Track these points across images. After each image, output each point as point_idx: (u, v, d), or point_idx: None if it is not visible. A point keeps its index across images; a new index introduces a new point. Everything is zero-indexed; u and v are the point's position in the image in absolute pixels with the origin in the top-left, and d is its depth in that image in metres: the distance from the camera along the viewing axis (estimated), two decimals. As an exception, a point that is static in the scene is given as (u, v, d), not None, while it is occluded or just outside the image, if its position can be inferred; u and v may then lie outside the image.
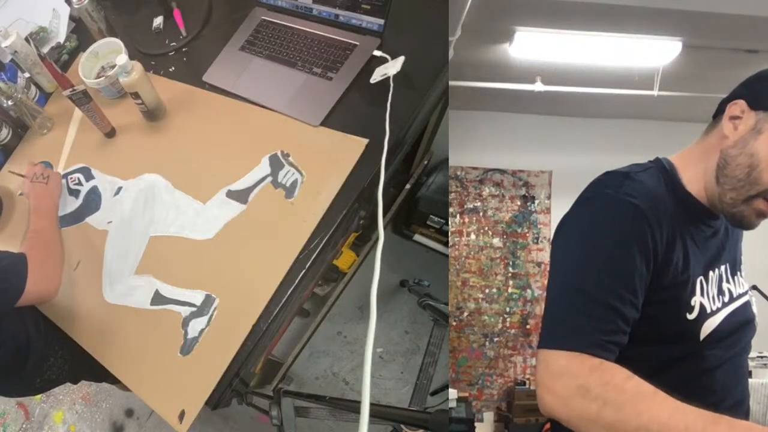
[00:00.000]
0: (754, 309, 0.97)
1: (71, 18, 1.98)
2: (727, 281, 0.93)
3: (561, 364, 0.76)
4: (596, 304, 0.78)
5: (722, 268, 0.93)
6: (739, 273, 0.97)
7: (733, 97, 0.88)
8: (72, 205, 1.62)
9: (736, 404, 0.91)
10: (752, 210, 0.85)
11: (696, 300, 0.85)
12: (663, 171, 0.91)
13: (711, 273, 0.89)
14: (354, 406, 1.57)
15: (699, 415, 0.69)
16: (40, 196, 1.54)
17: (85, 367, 1.65)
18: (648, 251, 0.80)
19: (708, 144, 0.90)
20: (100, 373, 1.47)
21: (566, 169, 4.11)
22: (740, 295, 0.94)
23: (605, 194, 0.85)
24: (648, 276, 0.81)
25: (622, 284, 0.79)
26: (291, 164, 1.36)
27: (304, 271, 1.25)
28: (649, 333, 0.83)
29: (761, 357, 3.17)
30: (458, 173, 4.13)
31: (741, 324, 0.92)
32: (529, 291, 4.16)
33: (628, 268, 0.80)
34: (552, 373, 0.76)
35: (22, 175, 1.60)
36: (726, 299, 0.91)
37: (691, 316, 0.84)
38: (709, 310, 0.86)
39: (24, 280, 1.33)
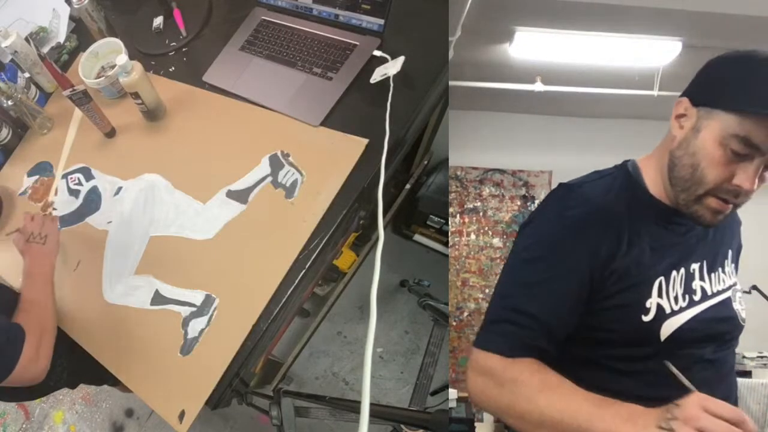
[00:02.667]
0: (738, 305, 0.94)
1: (71, 18, 1.98)
2: (701, 279, 0.91)
3: (485, 363, 0.84)
4: (523, 315, 0.84)
5: (694, 266, 0.91)
6: (720, 269, 0.94)
7: (682, 94, 0.87)
8: (72, 205, 1.62)
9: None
10: (706, 209, 0.84)
11: (652, 302, 0.85)
12: (626, 175, 0.91)
13: (674, 272, 0.88)
14: (354, 406, 1.57)
15: (590, 399, 0.75)
16: (35, 257, 1.41)
17: (84, 373, 1.63)
18: (583, 265, 0.84)
19: (664, 145, 0.90)
20: (99, 378, 1.45)
21: (566, 169, 4.07)
22: (718, 292, 0.92)
23: (548, 208, 0.90)
24: (587, 287, 0.84)
25: (552, 299, 0.84)
26: (291, 164, 1.36)
27: (304, 271, 1.25)
28: (609, 336, 0.86)
29: (761, 357, 3.17)
30: (458, 173, 4.13)
31: (716, 321, 0.90)
32: (529, 291, 4.16)
33: (560, 285, 0.84)
34: (475, 370, 0.85)
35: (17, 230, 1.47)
36: (697, 297, 0.89)
37: (646, 318, 0.85)
38: (668, 311, 0.86)
39: (16, 359, 1.20)
